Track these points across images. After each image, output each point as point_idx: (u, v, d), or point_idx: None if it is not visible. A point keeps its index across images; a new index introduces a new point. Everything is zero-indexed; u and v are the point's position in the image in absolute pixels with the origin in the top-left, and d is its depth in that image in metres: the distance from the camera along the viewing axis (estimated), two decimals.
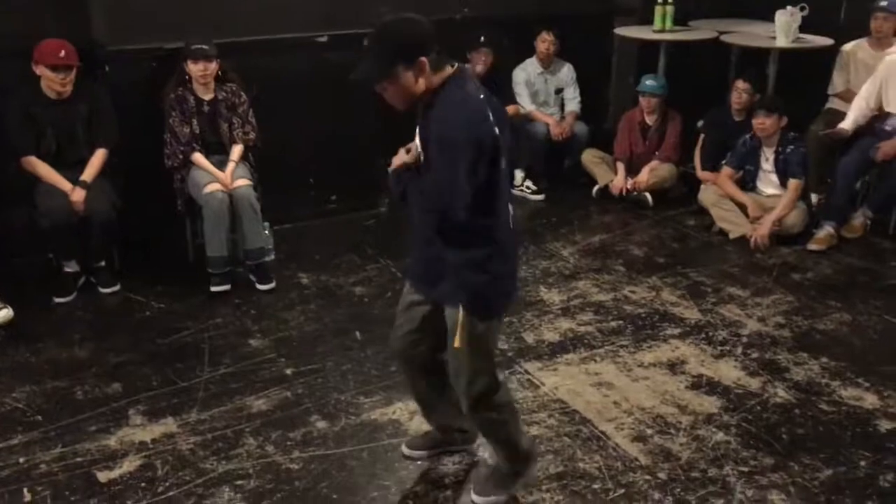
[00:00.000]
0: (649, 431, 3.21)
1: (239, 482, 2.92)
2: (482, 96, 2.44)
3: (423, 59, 2.36)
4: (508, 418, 2.78)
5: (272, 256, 4.52)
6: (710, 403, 3.40)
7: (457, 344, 2.54)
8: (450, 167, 2.33)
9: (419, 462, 3.02)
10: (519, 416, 2.91)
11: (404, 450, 3.09)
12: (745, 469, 3.00)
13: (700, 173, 5.54)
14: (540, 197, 5.77)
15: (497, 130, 2.41)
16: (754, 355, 3.76)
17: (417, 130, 2.50)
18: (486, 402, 2.67)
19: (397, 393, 3.42)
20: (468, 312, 2.51)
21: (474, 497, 2.84)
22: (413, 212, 2.56)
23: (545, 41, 5.85)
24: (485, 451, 3.05)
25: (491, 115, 2.41)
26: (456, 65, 2.45)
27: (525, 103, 5.89)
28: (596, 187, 5.75)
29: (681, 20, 6.02)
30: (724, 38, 5.87)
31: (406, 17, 2.43)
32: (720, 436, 3.18)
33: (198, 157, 4.35)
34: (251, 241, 4.33)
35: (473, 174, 2.35)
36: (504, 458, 2.84)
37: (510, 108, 5.70)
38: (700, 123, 5.74)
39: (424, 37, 2.39)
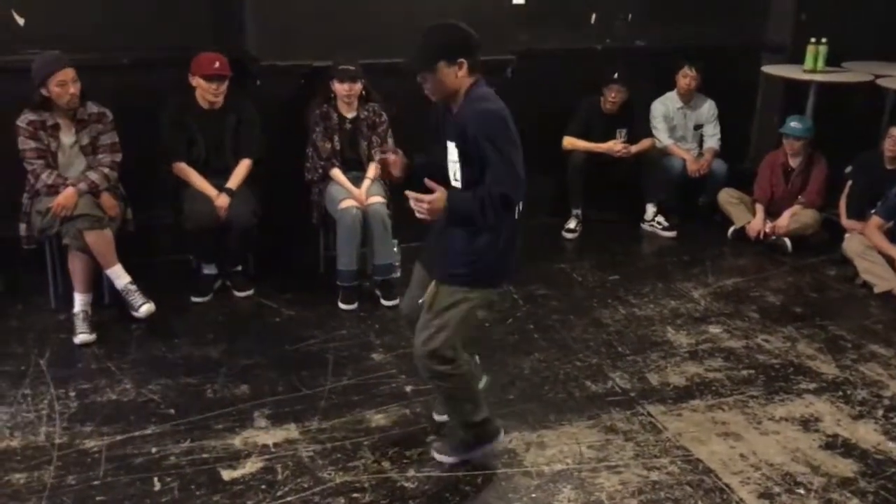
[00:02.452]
0: (777, 489, 3.05)
1: (354, 495, 2.95)
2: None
3: (464, 60, 2.71)
4: (458, 388, 2.99)
5: (398, 273, 4.57)
6: (846, 466, 3.20)
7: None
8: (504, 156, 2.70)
9: (534, 495, 2.97)
10: (476, 397, 3.09)
11: (435, 416, 3.38)
12: None
13: (845, 221, 5.28)
14: (671, 234, 5.62)
15: None
16: None
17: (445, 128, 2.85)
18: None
19: (514, 421, 3.39)
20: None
21: (433, 451, 3.17)
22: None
23: (687, 76, 5.73)
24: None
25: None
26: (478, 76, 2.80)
27: (662, 137, 5.78)
28: (732, 228, 5.56)
29: (834, 61, 5.77)
30: (880, 81, 5.58)
31: (454, 23, 2.79)
32: (855, 502, 2.99)
33: (336, 173, 4.48)
34: (380, 257, 4.40)
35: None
36: (457, 423, 3.11)
37: (646, 142, 5.62)
38: (848, 169, 5.47)
39: (468, 42, 2.76)
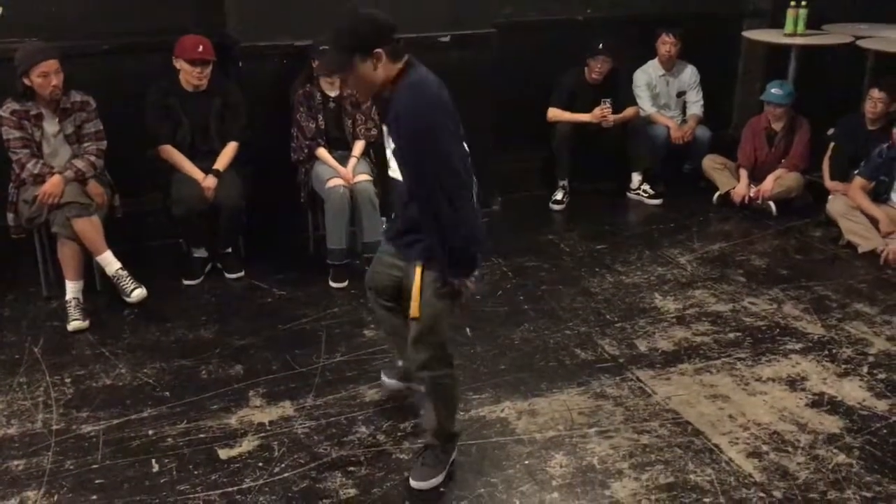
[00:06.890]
0: (765, 448, 3.11)
1: (351, 468, 3.00)
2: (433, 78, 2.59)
3: (380, 50, 2.51)
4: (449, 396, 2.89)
5: None
6: (832, 423, 3.27)
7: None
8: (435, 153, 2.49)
9: (527, 462, 3.03)
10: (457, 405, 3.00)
11: (383, 378, 3.42)
12: (869, 495, 2.87)
13: (828, 183, 5.33)
14: (657, 201, 5.66)
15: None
16: (881, 376, 3.59)
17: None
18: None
19: (506, 391, 3.44)
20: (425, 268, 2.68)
21: (412, 483, 2.91)
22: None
23: (666, 43, 5.75)
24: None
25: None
26: (407, 56, 2.59)
27: (646, 106, 5.80)
28: (717, 194, 5.60)
29: (814, 24, 5.78)
30: (860, 42, 5.61)
31: (362, 12, 2.59)
32: (842, 458, 3.06)
33: (322, 152, 4.49)
34: (369, 235, 4.43)
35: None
36: (435, 435, 2.94)
37: (630, 110, 5.64)
38: (830, 131, 5.51)
39: (380, 30, 2.54)
